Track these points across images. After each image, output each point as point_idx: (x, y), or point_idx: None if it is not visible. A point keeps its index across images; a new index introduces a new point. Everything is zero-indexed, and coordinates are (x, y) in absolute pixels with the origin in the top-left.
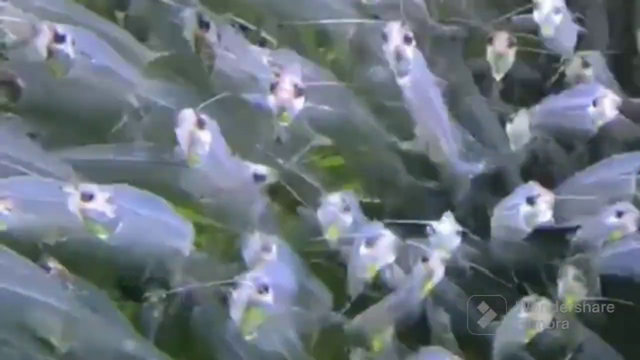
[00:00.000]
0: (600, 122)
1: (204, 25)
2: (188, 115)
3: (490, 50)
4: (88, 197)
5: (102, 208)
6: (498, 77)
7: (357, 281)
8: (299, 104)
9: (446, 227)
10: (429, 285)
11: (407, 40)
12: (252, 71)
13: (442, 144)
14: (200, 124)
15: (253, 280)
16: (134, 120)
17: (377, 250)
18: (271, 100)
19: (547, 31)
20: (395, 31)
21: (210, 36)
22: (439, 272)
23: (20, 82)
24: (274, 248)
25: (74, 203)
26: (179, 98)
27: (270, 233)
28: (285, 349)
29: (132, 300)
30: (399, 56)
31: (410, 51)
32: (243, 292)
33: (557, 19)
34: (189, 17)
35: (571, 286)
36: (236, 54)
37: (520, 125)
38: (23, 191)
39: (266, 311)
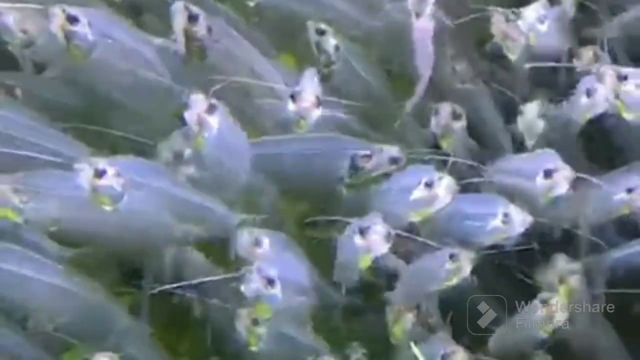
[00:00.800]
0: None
1: (193, 18)
2: (199, 100)
3: None
4: (101, 173)
5: (111, 182)
6: None
7: (351, 271)
8: (318, 113)
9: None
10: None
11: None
12: (262, 74)
13: None
14: (211, 109)
15: (259, 273)
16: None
17: (370, 241)
18: (291, 108)
19: (533, 41)
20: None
21: (200, 29)
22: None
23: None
24: (266, 242)
25: (87, 178)
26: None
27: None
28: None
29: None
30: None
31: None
32: (250, 287)
33: (543, 27)
34: (177, 10)
35: (563, 275)
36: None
37: (531, 116)
38: (38, 184)
39: (274, 305)
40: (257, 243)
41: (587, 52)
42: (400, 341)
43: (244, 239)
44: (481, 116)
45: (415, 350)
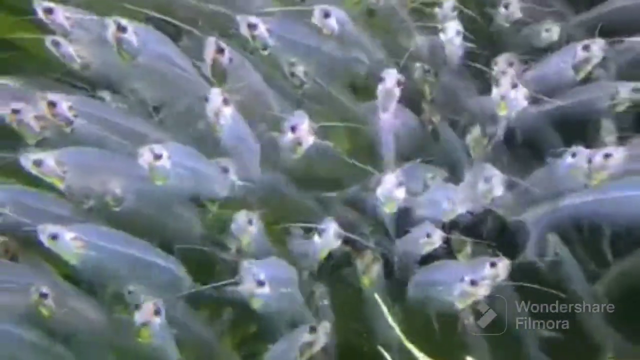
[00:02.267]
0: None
1: (220, 50)
2: (216, 94)
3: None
4: (158, 156)
5: (164, 163)
6: None
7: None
8: (311, 140)
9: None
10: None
11: None
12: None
13: None
14: (225, 102)
15: (252, 276)
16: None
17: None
18: (289, 137)
19: (451, 54)
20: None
21: (225, 60)
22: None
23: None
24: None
25: (146, 159)
26: None
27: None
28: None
29: None
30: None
31: None
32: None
33: (458, 40)
34: (209, 43)
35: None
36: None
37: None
38: (77, 158)
39: (264, 300)
40: (250, 222)
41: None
42: (368, 289)
43: (240, 218)
44: None
45: (378, 298)
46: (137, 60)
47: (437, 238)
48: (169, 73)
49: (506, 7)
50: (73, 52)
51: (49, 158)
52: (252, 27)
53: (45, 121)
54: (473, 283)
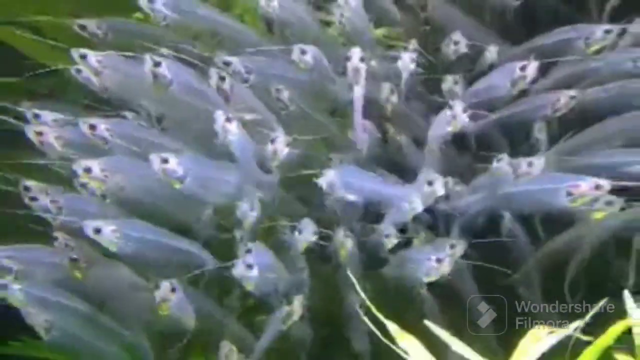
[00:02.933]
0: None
1: (222, 78)
2: (220, 115)
3: None
4: (164, 160)
5: (174, 167)
6: None
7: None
8: (286, 152)
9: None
10: None
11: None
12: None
13: None
14: (229, 120)
15: (244, 263)
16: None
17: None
18: (270, 149)
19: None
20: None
21: (226, 86)
22: None
23: None
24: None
25: (156, 164)
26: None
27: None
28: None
29: None
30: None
31: None
32: (238, 270)
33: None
34: (212, 73)
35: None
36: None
37: None
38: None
39: (253, 281)
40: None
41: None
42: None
43: (244, 205)
44: None
45: (351, 275)
46: (170, 89)
47: (393, 239)
48: (193, 99)
49: (455, 44)
50: (93, 78)
51: (95, 166)
52: (227, 64)
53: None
54: (438, 261)
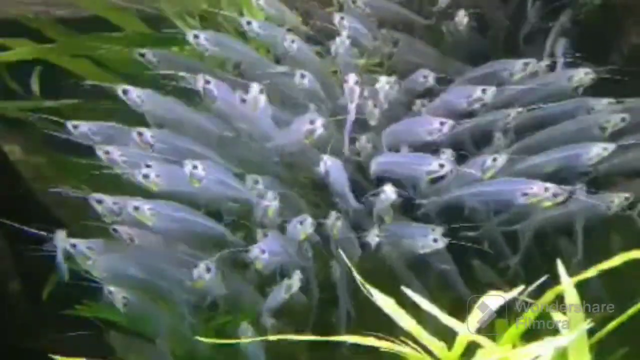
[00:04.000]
0: None
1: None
2: (255, 87)
3: None
4: (194, 167)
5: (199, 172)
6: None
7: None
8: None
9: None
10: None
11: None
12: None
13: None
14: (262, 91)
15: (259, 248)
16: None
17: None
18: (307, 127)
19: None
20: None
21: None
22: None
23: None
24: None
25: (188, 170)
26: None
27: None
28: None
29: None
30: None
31: None
32: (253, 254)
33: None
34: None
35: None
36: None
37: None
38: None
39: (262, 263)
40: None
41: None
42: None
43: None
44: None
45: (341, 252)
46: (215, 103)
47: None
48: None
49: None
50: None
51: (152, 173)
52: (206, 82)
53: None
54: (435, 241)
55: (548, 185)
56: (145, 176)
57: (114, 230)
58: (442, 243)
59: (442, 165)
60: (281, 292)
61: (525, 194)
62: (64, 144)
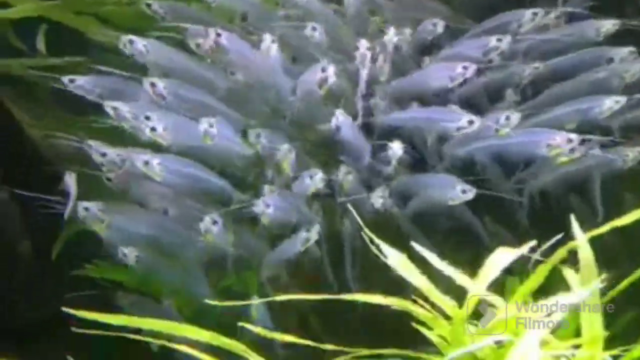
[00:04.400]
0: None
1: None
2: (268, 37)
3: None
4: (210, 125)
5: (213, 130)
6: None
7: None
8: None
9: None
10: None
11: None
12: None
13: None
14: (274, 41)
15: (263, 202)
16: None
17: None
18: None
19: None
20: None
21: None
22: None
23: None
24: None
25: (203, 128)
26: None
27: None
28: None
29: None
30: None
31: None
32: (258, 208)
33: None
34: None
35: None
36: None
37: None
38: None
39: (269, 217)
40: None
41: None
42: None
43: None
44: None
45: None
46: (228, 56)
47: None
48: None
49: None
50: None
51: (160, 126)
52: (218, 34)
53: None
54: (463, 192)
55: (572, 136)
56: (153, 129)
57: (108, 179)
58: (470, 194)
59: (471, 122)
60: (297, 244)
61: (548, 145)
62: (71, 103)
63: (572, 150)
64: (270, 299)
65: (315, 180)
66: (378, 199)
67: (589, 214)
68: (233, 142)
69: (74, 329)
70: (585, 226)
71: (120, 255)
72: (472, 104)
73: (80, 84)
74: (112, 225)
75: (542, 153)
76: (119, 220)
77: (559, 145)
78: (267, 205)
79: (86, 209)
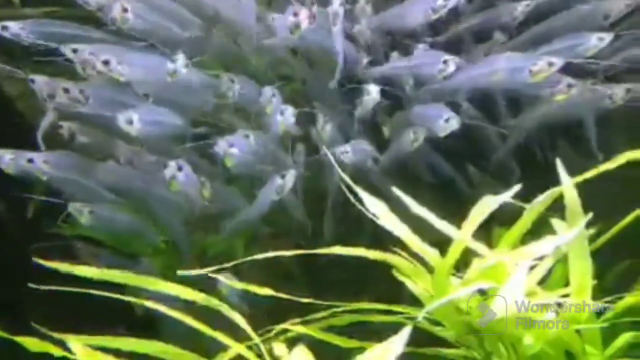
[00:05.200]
0: None
1: None
2: None
3: None
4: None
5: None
6: None
7: None
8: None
9: None
10: None
11: None
12: None
13: None
14: None
15: (226, 141)
16: None
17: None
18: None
19: None
20: None
21: None
22: None
23: None
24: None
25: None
26: None
27: None
28: None
29: None
30: None
31: None
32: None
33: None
34: None
35: None
36: None
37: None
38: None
39: (234, 158)
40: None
41: None
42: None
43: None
44: None
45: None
46: None
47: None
48: None
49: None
50: None
51: (114, 61)
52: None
53: None
54: (446, 120)
55: (553, 59)
56: (106, 62)
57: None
58: (455, 123)
59: (445, 62)
60: (272, 191)
61: (530, 71)
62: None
63: (569, 86)
64: (250, 258)
65: (286, 116)
66: (344, 152)
67: (579, 158)
68: (201, 79)
69: (51, 287)
70: (575, 172)
71: (71, 211)
72: (459, 46)
73: (15, 31)
74: (55, 180)
75: (525, 80)
76: (66, 174)
77: (541, 71)
78: (231, 145)
79: (30, 160)
